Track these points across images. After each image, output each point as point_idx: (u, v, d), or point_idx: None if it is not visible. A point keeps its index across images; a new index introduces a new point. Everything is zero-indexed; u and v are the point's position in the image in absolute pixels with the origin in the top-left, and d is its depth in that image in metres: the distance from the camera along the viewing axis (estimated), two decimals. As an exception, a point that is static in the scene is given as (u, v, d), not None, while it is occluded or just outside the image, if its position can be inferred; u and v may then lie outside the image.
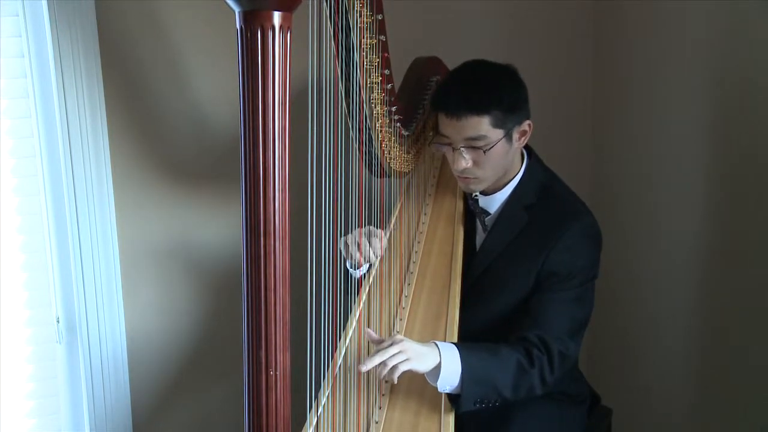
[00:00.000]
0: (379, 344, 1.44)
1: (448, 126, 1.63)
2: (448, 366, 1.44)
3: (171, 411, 2.20)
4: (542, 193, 1.70)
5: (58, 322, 2.04)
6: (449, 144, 1.66)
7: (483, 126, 1.60)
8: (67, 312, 2.04)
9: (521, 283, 1.64)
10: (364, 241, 1.67)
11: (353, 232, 1.68)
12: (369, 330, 1.50)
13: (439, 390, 1.46)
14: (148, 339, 2.14)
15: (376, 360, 1.40)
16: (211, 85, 2.06)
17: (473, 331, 1.61)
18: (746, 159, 1.87)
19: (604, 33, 2.39)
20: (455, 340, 1.56)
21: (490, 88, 1.61)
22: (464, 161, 1.64)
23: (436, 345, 1.46)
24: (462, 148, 1.63)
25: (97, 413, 2.08)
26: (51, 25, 1.86)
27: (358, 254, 1.68)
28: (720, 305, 2.00)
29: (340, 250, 1.72)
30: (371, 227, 1.69)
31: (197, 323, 2.19)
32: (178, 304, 2.17)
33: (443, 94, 1.65)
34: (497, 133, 1.61)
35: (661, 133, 2.17)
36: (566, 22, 2.39)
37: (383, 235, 1.71)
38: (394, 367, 1.40)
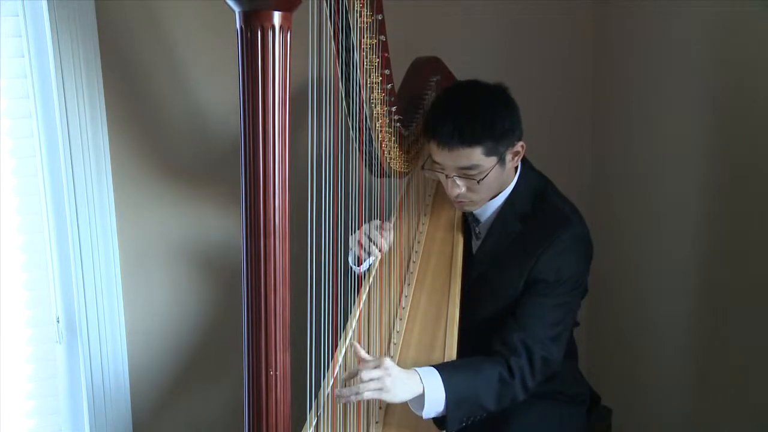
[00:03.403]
0: (364, 363, 1.41)
1: (439, 155, 1.62)
2: (431, 393, 1.42)
3: (171, 411, 2.20)
4: (536, 201, 1.69)
5: (58, 322, 2.04)
6: (442, 171, 1.65)
7: (475, 156, 1.58)
8: (67, 312, 2.04)
9: (512, 289, 1.64)
10: (374, 231, 1.67)
11: (363, 227, 1.68)
12: (356, 345, 1.46)
13: (424, 417, 1.44)
14: (148, 339, 2.14)
15: (354, 390, 1.37)
16: (211, 85, 2.06)
17: (471, 333, 1.61)
18: (745, 160, 1.87)
19: (604, 33, 2.39)
20: (455, 339, 1.56)
21: (482, 119, 1.58)
22: (458, 188, 1.64)
23: (418, 373, 1.43)
24: (455, 177, 1.63)
25: (97, 413, 2.08)
26: (51, 25, 1.86)
27: (370, 244, 1.68)
28: (719, 305, 1.99)
29: (351, 248, 1.72)
30: (376, 221, 1.69)
31: (197, 323, 2.19)
32: (178, 304, 2.17)
33: (434, 122, 1.61)
34: (490, 161, 1.60)
35: (660, 134, 2.17)
36: (566, 23, 2.39)
37: (390, 226, 1.72)
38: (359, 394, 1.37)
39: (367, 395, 1.37)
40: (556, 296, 1.60)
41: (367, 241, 1.68)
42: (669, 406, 2.21)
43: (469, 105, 1.61)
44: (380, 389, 1.38)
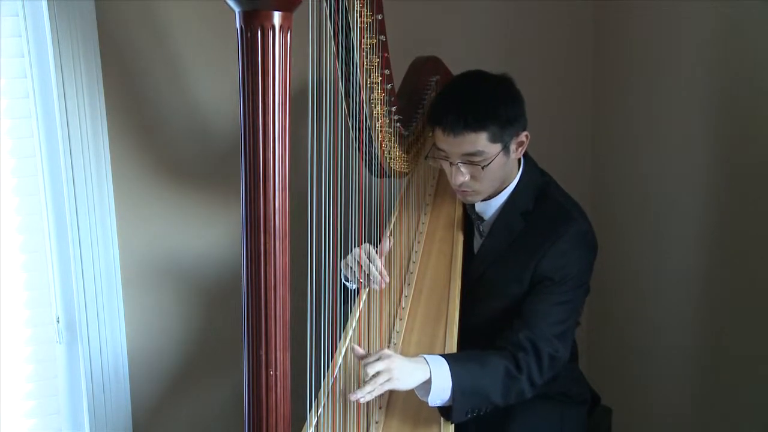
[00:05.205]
0: (365, 359, 1.41)
1: (444, 142, 1.62)
2: (438, 380, 1.42)
3: (171, 411, 2.20)
4: (539, 198, 1.70)
5: (58, 322, 2.04)
6: (446, 158, 1.65)
7: (480, 142, 1.59)
8: (67, 312, 2.04)
9: (516, 288, 1.64)
10: (364, 259, 1.64)
11: (353, 251, 1.66)
12: (355, 345, 1.47)
13: (429, 404, 1.44)
14: (148, 339, 2.14)
15: (367, 389, 1.36)
16: (211, 85, 2.06)
17: (472, 333, 1.61)
18: (746, 160, 1.87)
19: (604, 33, 2.39)
20: (455, 339, 1.56)
21: (487, 104, 1.59)
22: (462, 176, 1.64)
23: (425, 360, 1.44)
24: (459, 163, 1.63)
25: (97, 413, 2.08)
26: (51, 25, 1.86)
27: (359, 274, 1.65)
28: (720, 305, 2.00)
29: (340, 270, 1.69)
30: (369, 247, 1.65)
31: (197, 323, 2.19)
32: (178, 304, 2.17)
33: (439, 109, 1.63)
34: (495, 148, 1.61)
35: (661, 134, 2.17)
36: (566, 23, 2.39)
37: (382, 251, 1.68)
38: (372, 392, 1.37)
39: (380, 390, 1.37)
40: (560, 294, 1.60)
41: (368, 263, 1.64)
42: (669, 406, 2.21)
43: (475, 92, 1.62)
44: (390, 379, 1.37)
